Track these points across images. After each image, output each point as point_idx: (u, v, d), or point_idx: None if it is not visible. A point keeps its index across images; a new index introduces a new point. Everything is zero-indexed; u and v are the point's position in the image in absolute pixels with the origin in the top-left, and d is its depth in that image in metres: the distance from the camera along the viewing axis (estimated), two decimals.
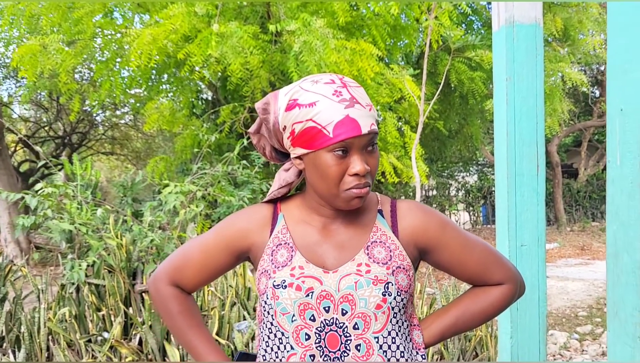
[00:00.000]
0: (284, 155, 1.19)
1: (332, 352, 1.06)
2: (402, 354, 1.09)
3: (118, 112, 13.25)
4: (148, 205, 4.02)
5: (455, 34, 5.48)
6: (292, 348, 1.08)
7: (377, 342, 1.06)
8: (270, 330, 1.11)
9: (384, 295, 1.05)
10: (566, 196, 13.93)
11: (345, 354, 1.06)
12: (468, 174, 16.13)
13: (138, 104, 8.34)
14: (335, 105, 1.02)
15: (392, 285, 1.06)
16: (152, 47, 5.29)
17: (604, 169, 15.27)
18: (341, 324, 1.06)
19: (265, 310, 1.11)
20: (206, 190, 4.27)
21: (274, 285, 1.08)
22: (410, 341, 1.13)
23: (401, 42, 7.39)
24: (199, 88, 7.63)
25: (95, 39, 6.51)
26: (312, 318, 1.06)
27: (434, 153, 11.82)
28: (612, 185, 1.20)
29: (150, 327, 3.69)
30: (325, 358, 1.06)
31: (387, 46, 6.50)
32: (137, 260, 3.99)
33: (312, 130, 1.02)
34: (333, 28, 5.32)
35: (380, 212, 1.14)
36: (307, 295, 1.06)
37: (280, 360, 1.09)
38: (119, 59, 6.74)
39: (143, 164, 14.39)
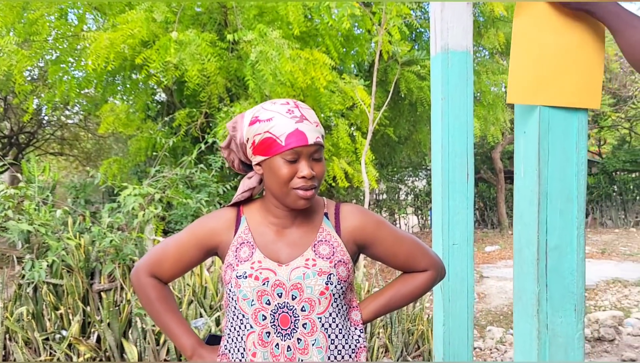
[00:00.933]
0: (250, 167, 1.42)
1: (284, 329, 1.31)
2: (341, 331, 1.34)
3: (68, 112, 13.03)
4: (107, 206, 4.12)
5: (402, 49, 5.81)
6: (251, 327, 1.32)
7: (320, 321, 1.31)
8: (234, 313, 1.35)
9: (327, 284, 1.30)
10: (509, 201, 14.59)
11: (295, 331, 1.31)
12: (417, 179, 16.62)
13: (90, 105, 8.33)
14: (288, 120, 1.26)
15: (334, 276, 1.31)
16: (109, 50, 5.38)
17: None
18: (291, 307, 1.30)
19: (230, 297, 1.35)
20: (164, 192, 4.41)
21: (236, 276, 1.32)
22: (349, 320, 1.38)
23: (354, 50, 7.68)
24: (154, 91, 7.70)
25: (48, 40, 6.51)
26: (267, 302, 1.30)
27: (384, 158, 12.19)
28: (517, 193, 1.48)
29: (109, 324, 3.81)
30: (277, 334, 1.31)
31: (340, 55, 6.77)
32: (95, 260, 4.10)
33: (269, 140, 1.27)
34: (288, 38, 5.55)
35: (326, 214, 1.39)
36: (264, 284, 1.30)
37: (242, 337, 1.33)
38: (72, 60, 6.77)
39: (93, 165, 14.19)
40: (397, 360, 4.10)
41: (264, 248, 1.35)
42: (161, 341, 3.81)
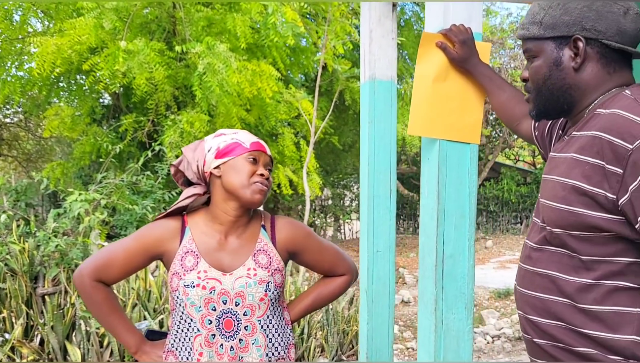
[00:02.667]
0: (190, 184, 1.62)
1: (228, 332, 1.48)
2: (277, 330, 1.56)
3: (7, 111, 12.68)
4: (53, 212, 4.20)
5: (342, 67, 6.12)
6: (198, 330, 1.47)
7: (260, 324, 1.51)
8: (181, 317, 1.50)
9: (266, 291, 1.50)
10: None
11: (237, 333, 1.48)
12: None
13: (31, 105, 8.23)
14: (250, 135, 1.56)
15: (272, 283, 1.52)
16: (56, 56, 5.42)
17: (482, 184, 16.83)
18: (235, 312, 1.48)
19: (177, 303, 1.50)
20: (109, 198, 4.51)
21: (184, 285, 1.46)
22: (283, 319, 1.60)
23: (301, 61, 7.94)
24: (100, 95, 7.70)
25: None
26: (213, 308, 1.47)
27: (329, 165, 12.51)
28: (422, 210, 1.75)
29: (52, 327, 3.89)
30: (222, 336, 1.47)
31: (286, 66, 7.01)
32: (39, 264, 4.16)
33: (234, 144, 1.51)
34: (236, 49, 5.74)
35: (263, 226, 1.59)
36: (211, 292, 1.46)
37: (189, 338, 1.48)
38: (13, 61, 6.72)
39: (33, 167, 13.85)
40: (332, 360, 4.36)
41: (208, 257, 1.49)
42: (105, 343, 3.92)
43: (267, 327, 1.53)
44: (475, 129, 1.59)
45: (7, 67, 6.45)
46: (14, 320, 4.00)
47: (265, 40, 5.50)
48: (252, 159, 1.51)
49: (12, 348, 3.90)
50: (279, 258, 1.56)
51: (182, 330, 1.50)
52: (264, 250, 1.55)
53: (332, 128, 9.14)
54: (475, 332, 5.72)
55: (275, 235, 1.59)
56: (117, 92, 6.17)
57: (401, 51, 9.06)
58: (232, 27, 5.52)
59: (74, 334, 3.99)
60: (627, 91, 1.17)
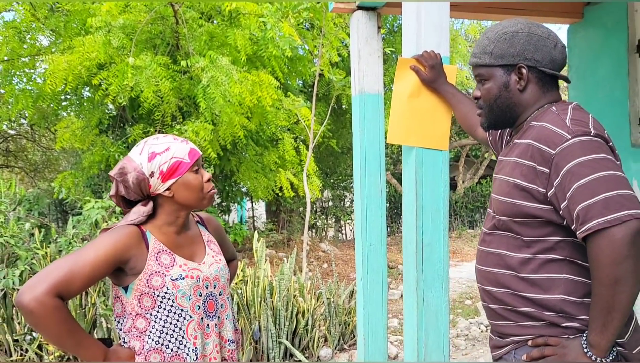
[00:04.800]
0: (130, 203, 1.65)
1: (211, 312, 1.67)
2: (231, 302, 1.82)
3: (13, 123, 13.01)
4: (74, 219, 4.53)
5: (337, 77, 6.46)
6: (190, 316, 1.61)
7: (228, 300, 1.78)
8: (170, 310, 1.58)
9: (228, 273, 1.80)
10: None
11: (217, 311, 1.69)
12: None
13: (39, 117, 8.55)
14: (180, 144, 1.62)
15: (226, 265, 1.80)
16: (67, 73, 5.76)
17: (479, 181, 17.13)
18: (214, 294, 1.69)
19: (165, 298, 1.57)
20: None
21: (172, 279, 1.58)
22: None
23: (298, 69, 8.26)
24: (107, 107, 8.03)
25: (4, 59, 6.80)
26: (200, 294, 1.64)
27: (329, 168, 12.83)
28: (404, 206, 2.08)
29: None
30: (207, 317, 1.65)
31: (285, 75, 7.33)
32: None
33: (176, 164, 1.58)
34: (237, 61, 6.07)
35: (198, 222, 1.82)
36: (197, 280, 1.63)
37: (180, 328, 1.58)
38: (23, 75, 7.05)
39: (41, 177, 14.20)
40: (335, 349, 4.68)
41: (180, 252, 1.64)
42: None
43: (230, 301, 1.80)
44: (444, 137, 1.92)
45: (18, 83, 6.78)
46: None
47: (265, 52, 5.82)
48: (196, 170, 1.63)
49: (39, 346, 4.23)
50: (217, 244, 1.84)
51: (172, 324, 1.59)
52: (211, 241, 1.79)
53: (330, 132, 9.46)
54: (470, 322, 6.04)
55: (208, 227, 1.85)
56: (123, 103, 6.48)
57: (393, 56, 9.38)
58: (232, 42, 5.85)
59: (95, 331, 4.32)
60: (553, 107, 1.50)
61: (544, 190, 1.40)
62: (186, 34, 5.88)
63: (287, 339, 4.44)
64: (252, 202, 13.31)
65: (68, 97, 7.97)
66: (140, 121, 7.34)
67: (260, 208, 14.38)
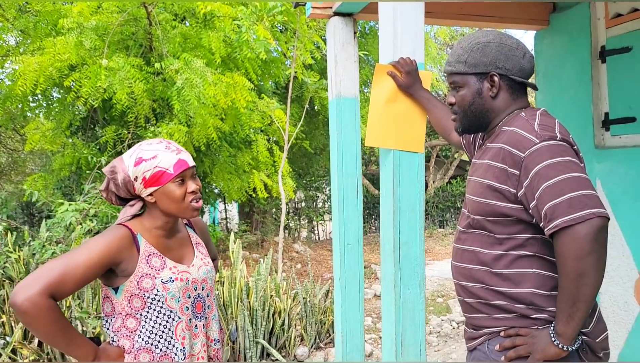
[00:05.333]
0: (125, 200, 1.72)
1: (199, 314, 1.73)
2: (215, 303, 1.87)
3: None
4: (49, 222, 4.49)
5: (312, 80, 6.53)
6: (179, 317, 1.66)
7: (214, 301, 1.84)
8: (159, 312, 1.63)
9: (214, 274, 1.86)
10: None
11: (204, 312, 1.75)
12: None
13: (5, 118, 8.39)
14: (170, 154, 1.63)
15: (213, 267, 1.86)
16: (38, 74, 5.68)
17: (449, 181, 17.42)
18: (202, 296, 1.75)
19: (155, 300, 1.62)
20: (98, 207, 4.82)
21: (162, 282, 1.62)
22: None
23: (271, 71, 8.31)
24: (77, 109, 7.93)
25: None
26: (188, 296, 1.69)
27: (302, 169, 12.88)
28: (382, 207, 2.15)
29: None
30: (195, 318, 1.71)
31: (258, 76, 7.36)
32: None
33: (158, 173, 1.60)
34: (211, 63, 6.09)
35: (186, 224, 1.87)
36: (186, 283, 1.68)
37: (169, 329, 1.63)
38: None
39: (7, 180, 13.88)
40: (311, 347, 4.75)
41: (169, 255, 1.69)
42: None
43: (216, 302, 1.89)
44: (420, 141, 2.01)
45: None
46: (13, 324, 4.28)
47: (240, 54, 5.85)
48: (179, 181, 1.64)
49: (14, 350, 4.18)
50: (205, 246, 1.91)
51: (161, 324, 1.64)
52: (199, 243, 1.85)
53: (303, 133, 9.52)
54: (442, 320, 6.17)
55: (195, 229, 1.91)
56: (95, 105, 6.42)
57: (369, 57, 9.50)
58: (207, 44, 5.86)
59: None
60: (523, 113, 1.59)
61: (515, 191, 1.49)
62: (160, 35, 5.87)
63: (264, 339, 4.49)
64: (224, 204, 13.28)
65: (37, 98, 7.86)
66: (112, 123, 7.28)
67: (233, 209, 14.36)
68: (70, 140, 7.40)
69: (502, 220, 1.55)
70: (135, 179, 1.62)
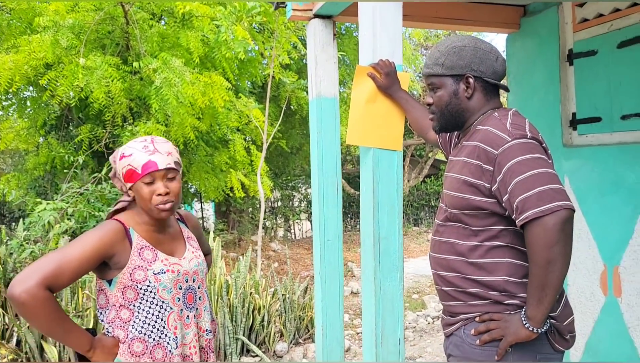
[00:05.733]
0: None
1: (190, 304, 1.79)
2: (207, 294, 1.95)
3: None
4: (27, 221, 4.47)
5: (290, 80, 6.60)
6: (171, 308, 1.72)
7: (205, 293, 1.91)
8: (152, 302, 1.70)
9: (206, 267, 1.93)
10: None
11: (195, 303, 1.81)
12: (309, 186, 17.47)
13: None
14: (143, 154, 1.68)
15: (203, 259, 1.92)
16: (14, 73, 5.64)
17: (424, 180, 17.66)
18: (193, 287, 1.82)
19: (147, 291, 1.69)
20: (76, 206, 4.81)
21: (154, 273, 1.69)
22: None
23: (248, 71, 8.35)
24: (52, 108, 7.87)
25: None
26: (180, 287, 1.76)
27: (278, 168, 12.93)
28: (362, 203, 2.24)
29: (29, 327, 4.18)
30: (187, 309, 1.77)
31: (235, 76, 7.41)
32: (12, 271, 4.43)
33: (130, 172, 1.69)
34: (188, 62, 6.11)
35: (178, 219, 1.94)
36: (177, 275, 1.75)
37: (162, 319, 1.70)
38: None
39: None
40: (290, 343, 4.82)
41: (161, 248, 1.75)
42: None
43: (207, 294, 1.93)
44: (398, 139, 2.10)
45: None
46: None
47: (218, 54, 5.89)
48: (147, 182, 1.68)
49: None
50: (196, 240, 1.98)
51: (154, 315, 1.70)
52: (190, 237, 1.92)
53: (279, 132, 9.58)
54: (418, 315, 6.31)
55: (187, 224, 1.98)
56: (72, 104, 6.39)
57: (345, 57, 9.61)
58: (185, 43, 5.89)
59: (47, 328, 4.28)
60: (496, 113, 1.70)
61: (489, 186, 1.59)
62: (137, 34, 5.87)
63: (244, 335, 4.55)
64: (201, 203, 13.25)
65: (10, 97, 7.76)
66: (87, 122, 7.23)
67: (209, 209, 14.34)
68: (45, 140, 7.33)
69: (477, 213, 1.65)
70: (120, 173, 1.73)
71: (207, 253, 2.06)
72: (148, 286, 1.69)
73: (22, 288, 1.46)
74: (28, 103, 7.38)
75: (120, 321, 1.69)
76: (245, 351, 4.60)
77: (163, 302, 1.72)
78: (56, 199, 4.89)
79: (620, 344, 2.90)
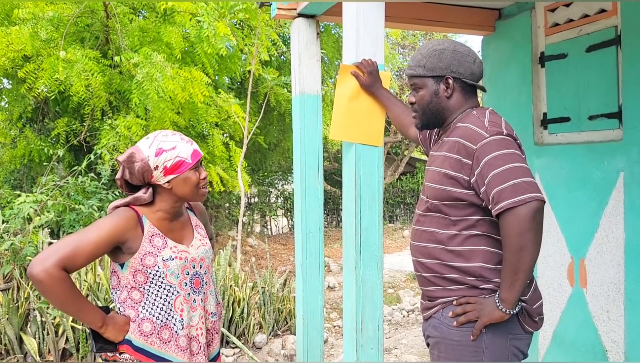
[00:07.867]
0: (133, 187, 1.88)
1: (197, 289, 1.92)
2: (214, 279, 2.07)
3: None
4: (7, 213, 4.46)
5: (271, 76, 6.68)
6: (178, 292, 1.85)
7: (212, 278, 2.03)
8: (160, 286, 1.82)
9: (212, 254, 2.05)
10: None
11: (202, 288, 1.94)
12: (287, 183, 17.51)
13: None
14: (186, 144, 1.83)
15: (210, 247, 2.04)
16: None
17: (399, 178, 17.88)
18: (200, 273, 1.94)
19: (156, 275, 1.81)
20: (56, 199, 4.81)
21: (163, 260, 1.81)
22: None
23: (228, 66, 8.38)
24: (29, 100, 7.79)
25: None
26: (187, 273, 1.88)
27: (255, 164, 12.96)
28: (344, 195, 2.35)
29: (8, 319, 4.19)
30: (194, 293, 1.89)
31: (215, 71, 7.43)
32: None
33: (179, 163, 1.80)
34: (169, 57, 6.13)
35: (187, 208, 2.05)
36: (185, 261, 1.87)
37: (169, 302, 1.82)
38: None
39: None
40: (269, 335, 4.91)
41: (171, 236, 1.86)
42: (60, 332, 4.26)
43: (213, 279, 2.06)
44: (379, 135, 2.21)
45: None
46: None
47: (199, 50, 5.93)
48: (194, 168, 1.84)
49: None
50: (204, 228, 2.09)
51: (162, 297, 1.83)
52: (198, 225, 2.04)
53: (258, 128, 9.63)
54: (393, 309, 6.45)
55: (195, 212, 2.12)
56: (52, 96, 6.35)
57: (323, 55, 9.70)
58: (166, 38, 5.91)
59: (28, 326, 4.30)
60: (474, 112, 1.82)
61: (468, 178, 1.72)
62: (118, 28, 5.87)
63: (224, 327, 4.62)
64: None
65: None
66: (64, 115, 7.18)
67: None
68: (22, 133, 7.26)
69: (456, 203, 1.77)
70: (156, 167, 1.79)
71: (210, 238, 2.16)
72: (157, 271, 1.80)
73: (40, 267, 1.59)
74: (4, 95, 7.28)
75: (131, 301, 1.81)
76: (225, 342, 4.67)
77: (170, 287, 1.84)
78: (35, 192, 4.88)
79: (586, 332, 3.07)
